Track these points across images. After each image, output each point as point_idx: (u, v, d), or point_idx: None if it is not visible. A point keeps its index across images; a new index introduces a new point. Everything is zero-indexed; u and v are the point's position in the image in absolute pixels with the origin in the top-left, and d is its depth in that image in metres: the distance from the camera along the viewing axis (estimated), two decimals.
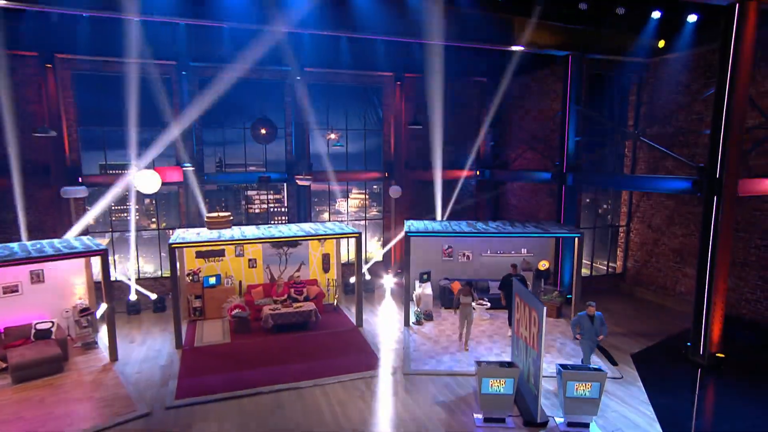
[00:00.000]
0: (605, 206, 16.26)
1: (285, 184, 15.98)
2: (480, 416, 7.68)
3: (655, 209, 14.46)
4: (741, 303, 12.00)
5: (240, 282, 12.78)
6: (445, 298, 13.20)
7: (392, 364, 9.21)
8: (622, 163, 15.06)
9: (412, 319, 11.74)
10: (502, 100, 17.86)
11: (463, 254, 13.96)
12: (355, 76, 15.91)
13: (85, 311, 10.40)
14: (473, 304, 10.04)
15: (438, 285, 13.55)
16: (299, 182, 13.91)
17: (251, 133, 13.48)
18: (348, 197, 17.14)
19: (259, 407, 7.98)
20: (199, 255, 12.42)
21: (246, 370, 9.25)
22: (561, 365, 7.61)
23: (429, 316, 12.13)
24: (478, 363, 7.78)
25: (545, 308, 7.37)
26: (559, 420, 7.71)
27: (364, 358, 9.61)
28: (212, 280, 12.41)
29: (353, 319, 11.66)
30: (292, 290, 12.27)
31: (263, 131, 13.21)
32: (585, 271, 15.64)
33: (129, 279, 12.59)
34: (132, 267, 13.11)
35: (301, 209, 15.26)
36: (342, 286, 13.87)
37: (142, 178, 9.21)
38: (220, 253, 12.60)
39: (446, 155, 17.67)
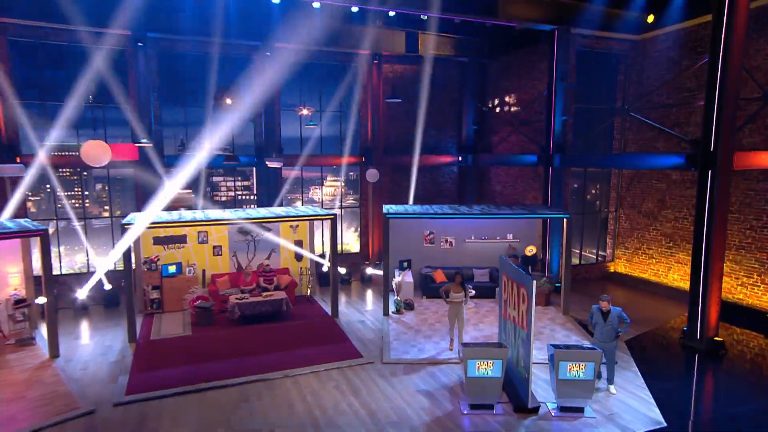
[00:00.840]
0: (593, 191, 16.19)
1: (254, 169, 15.46)
2: (466, 403, 7.44)
3: (646, 193, 14.46)
4: (737, 288, 12.02)
5: (203, 271, 12.22)
6: (426, 287, 13.00)
7: (371, 354, 9.06)
8: (611, 145, 15.04)
9: (392, 308, 11.63)
10: (485, 81, 17.76)
11: (446, 240, 13.78)
12: (329, 54, 15.53)
13: (21, 303, 9.67)
14: (466, 299, 9.07)
15: (419, 273, 13.42)
16: (269, 164, 13.42)
17: (215, 103, 12.93)
18: (323, 184, 16.72)
19: (223, 401, 7.53)
20: (158, 241, 11.82)
21: (209, 363, 8.79)
22: (553, 345, 7.40)
23: (410, 306, 11.94)
24: (464, 345, 7.48)
25: (535, 281, 7.09)
26: (552, 405, 7.48)
27: (340, 348, 9.40)
28: (172, 269, 11.83)
29: (328, 310, 11.45)
30: (262, 279, 11.82)
31: (228, 101, 12.68)
32: (574, 260, 15.55)
33: (94, 268, 11.91)
34: (94, 255, 12.43)
35: (272, 197, 14.77)
36: (316, 276, 13.43)
37: (90, 148, 8.61)
38: (181, 240, 12.02)
39: (426, 140, 17.48)
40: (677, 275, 13.69)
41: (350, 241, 17.42)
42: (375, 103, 16.11)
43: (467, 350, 7.30)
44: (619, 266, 15.48)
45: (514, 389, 7.82)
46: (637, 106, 13.70)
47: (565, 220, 11.72)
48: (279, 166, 13.50)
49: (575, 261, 15.55)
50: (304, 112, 14.26)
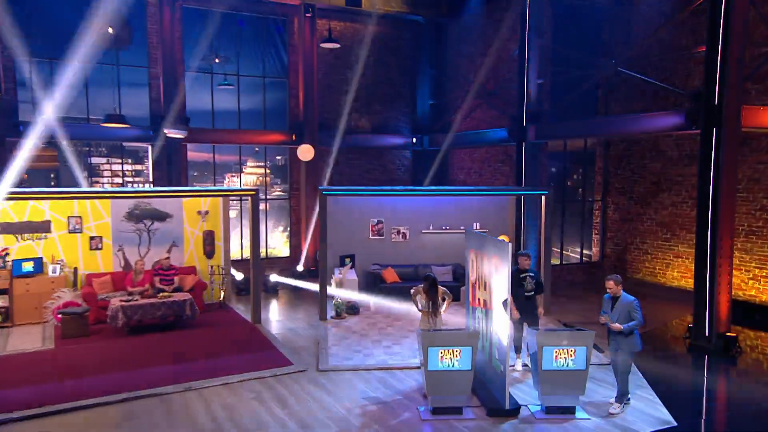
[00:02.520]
0: (575, 176, 16.48)
1: (149, 148, 14.69)
2: (428, 407, 7.13)
3: (637, 175, 14.75)
4: (748, 282, 12.29)
5: (75, 270, 11.33)
6: (374, 289, 12.73)
7: (303, 362, 8.90)
8: (596, 111, 15.39)
9: (331, 312, 11.49)
10: (444, 45, 17.89)
11: (398, 231, 13.68)
12: (249, 3, 15.17)
13: None
14: (442, 307, 8.37)
15: (365, 272, 13.22)
16: (169, 134, 12.78)
17: (91, 57, 12.18)
18: (241, 171, 16.15)
19: (95, 421, 6.94)
20: (7, 229, 10.82)
21: (80, 379, 8.10)
22: (535, 328, 7.22)
23: (353, 309, 11.74)
24: (424, 331, 7.18)
25: (510, 244, 6.88)
26: (535, 408, 7.26)
27: (263, 356, 9.16)
28: (28, 267, 10.88)
29: (248, 317, 11.33)
30: (158, 279, 11.11)
31: (110, 30, 11.96)
32: (554, 261, 15.59)
33: None
34: None
35: (174, 184, 14.05)
36: (231, 278, 12.97)
37: None
38: (44, 228, 11.09)
39: (373, 116, 17.34)
40: (677, 272, 13.91)
41: (278, 243, 16.86)
42: (308, 68, 15.82)
43: (426, 336, 6.97)
44: (608, 266, 15.63)
45: (487, 391, 7.59)
46: (626, 63, 14.06)
47: (543, 198, 11.74)
48: (181, 137, 12.88)
49: (555, 261, 15.63)
50: (216, 61, 13.72)
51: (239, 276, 13.57)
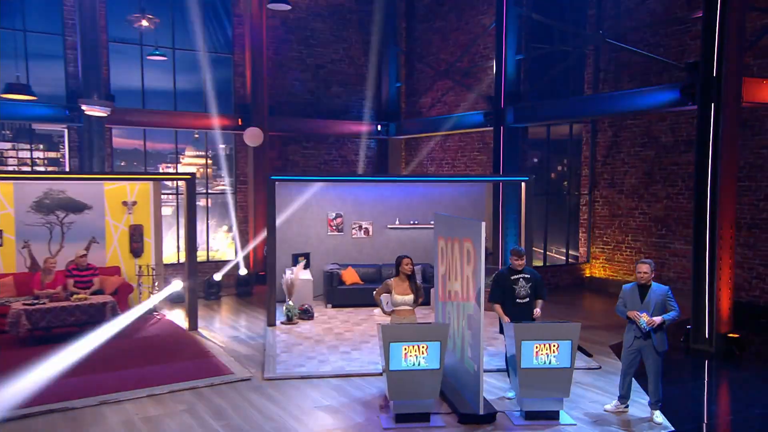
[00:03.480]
0: (559, 168, 16.54)
1: (66, 132, 14.17)
2: (390, 414, 6.94)
3: (628, 165, 14.84)
4: (752, 282, 12.36)
5: None
6: (332, 292, 12.64)
7: (247, 370, 8.80)
8: (582, 90, 15.49)
9: (281, 317, 11.45)
10: (412, 20, 17.86)
11: (359, 226, 13.62)
12: None
13: None
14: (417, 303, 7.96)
15: (322, 272, 13.12)
16: (88, 111, 12.31)
17: None
18: (179, 161, 15.75)
19: None
20: None
21: None
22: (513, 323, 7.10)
23: (307, 313, 11.61)
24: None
25: (483, 224, 6.73)
26: (514, 412, 7.16)
27: (199, 365, 9.02)
28: None
29: (184, 324, 11.24)
30: (72, 281, 10.72)
31: None
32: (537, 263, 15.66)
33: None
34: None
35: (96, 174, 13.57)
36: (164, 279, 12.71)
37: None
38: None
39: (331, 100, 17.19)
40: (673, 273, 13.94)
41: (221, 245, 16.48)
42: (256, 42, 15.58)
43: (388, 330, 6.77)
44: (597, 268, 15.71)
45: (459, 395, 7.44)
46: (614, 35, 14.18)
47: (523, 185, 11.73)
48: (104, 115, 12.46)
49: (538, 263, 15.66)
50: (144, 23, 13.32)
51: (218, 276, 13.77)
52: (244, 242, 15.91)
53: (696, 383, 9.18)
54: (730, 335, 9.76)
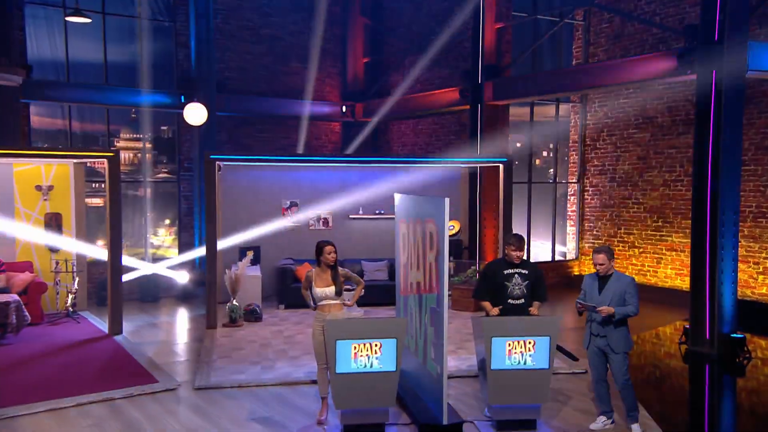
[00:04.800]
0: (544, 154, 16.42)
1: None
2: (337, 426, 6.66)
3: (621, 149, 14.73)
4: (758, 278, 12.21)
5: None
6: (285, 290, 12.42)
7: (173, 379, 8.52)
8: (570, 65, 15.39)
9: (224, 320, 11.25)
10: None
11: (318, 218, 13.52)
12: None
13: None
14: (346, 300, 7.62)
15: (274, 268, 12.92)
16: None
17: None
18: (112, 144, 15.28)
19: None
20: None
21: None
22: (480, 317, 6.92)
23: (254, 314, 11.40)
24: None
25: (447, 200, 6.39)
26: (483, 422, 6.89)
27: (116, 373, 8.74)
28: None
29: (104, 328, 10.97)
30: None
31: None
32: None
33: None
34: None
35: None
36: (86, 276, 12.44)
37: None
38: None
39: (289, 78, 16.90)
40: (671, 269, 13.84)
41: (163, 240, 16.02)
42: (202, 9, 15.11)
43: (334, 325, 6.42)
44: (587, 266, 15.57)
45: (420, 402, 7.17)
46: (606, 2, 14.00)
47: (501, 168, 11.56)
48: (15, 85, 11.97)
49: None
50: None
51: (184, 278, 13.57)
52: (188, 238, 15.47)
53: (694, 390, 9.09)
54: (733, 336, 9.62)
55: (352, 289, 11.54)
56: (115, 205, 10.21)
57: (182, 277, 13.68)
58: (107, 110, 14.82)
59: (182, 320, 12.02)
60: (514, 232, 7.81)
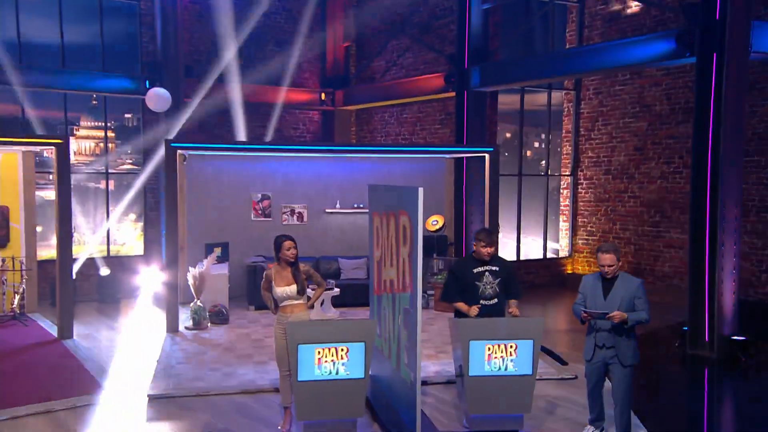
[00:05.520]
0: (535, 145, 16.30)
1: None
2: None
3: (617, 139, 14.65)
4: (760, 276, 12.14)
5: None
6: (256, 290, 12.01)
7: (127, 387, 8.36)
8: (563, 47, 15.29)
9: (187, 322, 11.10)
10: None
11: (292, 211, 13.48)
12: None
13: None
14: (312, 299, 7.42)
15: (244, 266, 12.76)
16: None
17: None
18: (71, 133, 14.91)
19: None
20: None
21: None
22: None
23: (220, 316, 11.24)
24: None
25: (421, 189, 6.12)
26: None
27: (60, 382, 8.53)
28: None
29: (53, 331, 10.83)
30: None
31: None
32: (510, 257, 15.26)
33: None
34: None
35: None
36: (37, 275, 12.28)
37: None
38: None
39: (264, 62, 16.62)
40: (669, 267, 13.76)
41: (128, 237, 15.69)
42: None
43: (296, 328, 6.20)
44: (580, 264, 15.51)
45: (393, 411, 6.94)
46: None
47: (487, 158, 11.42)
48: None
49: (511, 257, 15.31)
50: None
51: (105, 271, 13.30)
52: (154, 235, 15.19)
53: (693, 395, 9.04)
54: (734, 338, 9.60)
55: (327, 288, 11.35)
56: (64, 197, 9.94)
57: (104, 271, 13.60)
58: (65, 95, 14.49)
59: (143, 323, 11.87)
60: (484, 226, 7.54)
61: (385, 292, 7.39)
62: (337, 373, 6.17)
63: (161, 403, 7.67)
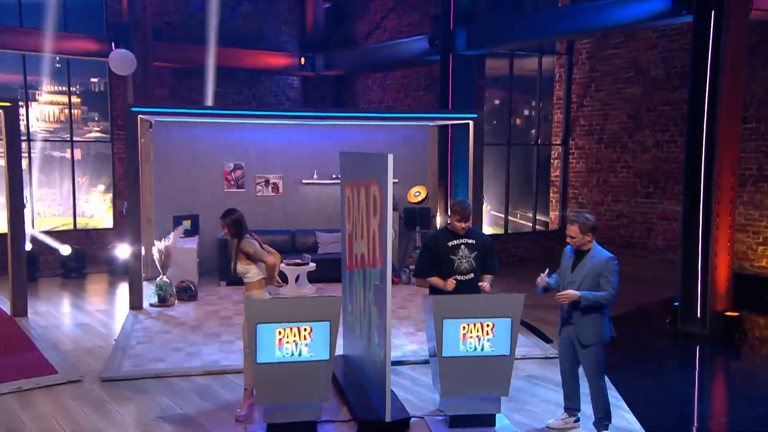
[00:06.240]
0: (525, 112, 16.22)
1: None
2: (261, 425, 6.25)
3: (609, 106, 14.55)
4: (757, 250, 12.08)
5: None
6: (228, 265, 11.79)
7: (79, 368, 8.14)
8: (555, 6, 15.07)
9: (152, 298, 10.96)
10: None
11: (266, 182, 13.39)
12: None
13: None
14: (281, 280, 7.38)
15: (215, 240, 12.69)
16: None
17: None
18: (32, 98, 14.76)
19: None
20: None
21: None
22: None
23: (187, 292, 11.10)
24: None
25: (391, 156, 5.90)
26: (434, 417, 6.54)
27: (8, 362, 8.30)
28: None
29: (6, 308, 10.67)
30: None
31: None
32: (497, 230, 15.49)
33: None
34: None
35: None
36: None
37: None
38: None
39: (241, 24, 16.59)
40: (662, 240, 13.73)
41: (97, 210, 15.49)
42: None
43: (255, 306, 6.00)
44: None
45: (364, 395, 6.80)
46: None
47: (471, 125, 11.26)
48: None
49: (498, 231, 15.41)
50: None
51: (66, 250, 13.06)
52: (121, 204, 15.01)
53: (684, 374, 8.95)
54: (728, 314, 9.61)
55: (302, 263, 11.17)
56: (14, 165, 9.63)
57: (65, 249, 13.32)
58: (23, 56, 14.21)
59: (107, 300, 11.72)
60: (460, 197, 7.25)
61: (356, 267, 7.24)
62: (300, 355, 5.93)
63: (116, 386, 7.46)
